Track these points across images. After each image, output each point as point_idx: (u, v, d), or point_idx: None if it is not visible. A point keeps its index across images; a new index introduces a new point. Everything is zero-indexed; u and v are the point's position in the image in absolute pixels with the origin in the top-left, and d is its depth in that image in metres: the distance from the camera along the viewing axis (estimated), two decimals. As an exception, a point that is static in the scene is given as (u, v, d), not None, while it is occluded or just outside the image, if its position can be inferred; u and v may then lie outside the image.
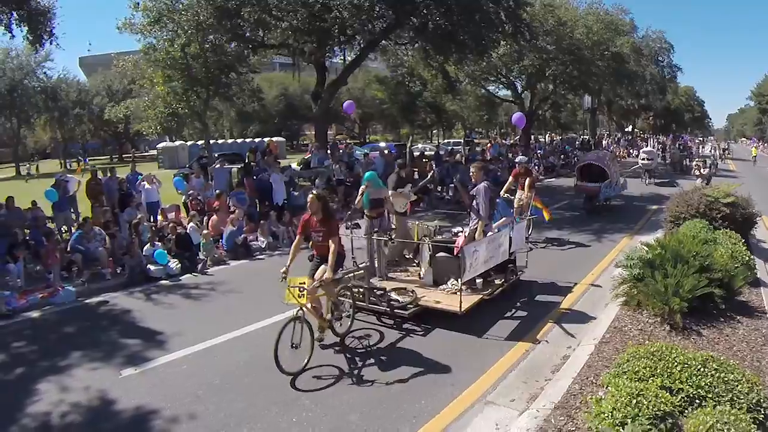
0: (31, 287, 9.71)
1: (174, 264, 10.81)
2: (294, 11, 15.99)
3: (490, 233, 7.98)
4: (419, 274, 8.50)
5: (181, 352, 6.71)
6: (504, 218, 8.89)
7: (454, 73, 25.39)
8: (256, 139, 42.04)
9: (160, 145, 44.59)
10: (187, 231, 11.92)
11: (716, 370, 4.39)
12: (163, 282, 10.26)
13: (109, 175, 14.90)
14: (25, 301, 9.03)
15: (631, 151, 40.70)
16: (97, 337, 7.52)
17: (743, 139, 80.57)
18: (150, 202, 14.03)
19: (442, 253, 8.15)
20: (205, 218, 13.01)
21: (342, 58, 20.00)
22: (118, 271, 10.77)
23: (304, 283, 6.04)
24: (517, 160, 13.27)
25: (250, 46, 17.78)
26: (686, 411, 4.08)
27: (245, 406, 5.30)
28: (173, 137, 39.06)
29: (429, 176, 11.98)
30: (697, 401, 4.19)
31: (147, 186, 14.20)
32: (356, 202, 8.71)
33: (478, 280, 7.78)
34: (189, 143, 43.48)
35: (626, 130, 59.97)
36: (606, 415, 3.84)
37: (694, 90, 67.81)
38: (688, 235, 8.06)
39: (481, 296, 7.53)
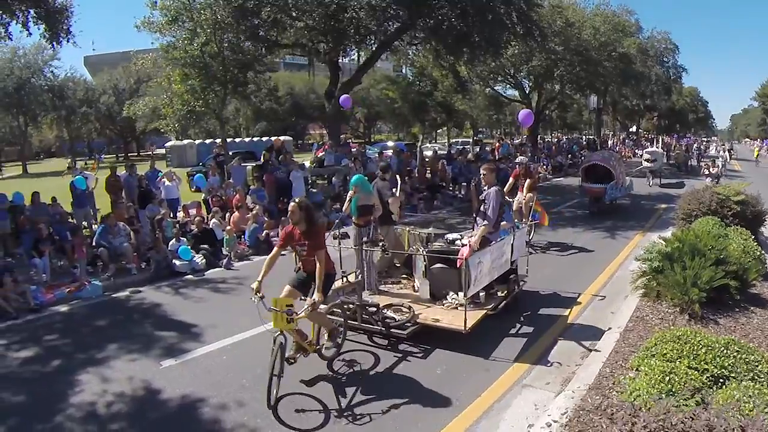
0: (57, 282, 9.86)
1: (199, 259, 11.07)
2: (311, 11, 16.27)
3: (494, 242, 7.23)
4: (413, 287, 7.82)
5: (218, 344, 6.83)
6: (505, 222, 8.03)
7: (465, 72, 25.73)
8: (264, 138, 42.40)
9: (168, 144, 44.90)
10: (210, 227, 12.24)
11: (738, 352, 4.70)
12: (189, 277, 10.45)
13: (128, 171, 15.24)
14: (52, 296, 9.18)
15: (636, 151, 40.92)
16: (131, 329, 7.62)
17: (747, 139, 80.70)
18: (170, 198, 14.33)
19: (439, 264, 7.31)
20: (226, 215, 13.32)
21: (357, 57, 20.29)
22: (143, 266, 10.95)
23: (292, 305, 5.19)
24: (517, 161, 12.72)
25: (264, 45, 18.06)
26: (712, 388, 4.39)
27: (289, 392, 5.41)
28: (179, 136, 39.34)
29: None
30: (721, 380, 4.50)
31: (167, 183, 14.53)
32: (344, 208, 8.18)
33: (480, 294, 7.06)
34: (197, 142, 43.81)
35: (631, 130, 60.24)
36: (641, 391, 4.13)
37: (698, 90, 68.19)
38: (704, 230, 8.37)
39: (485, 311, 6.78)
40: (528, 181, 11.57)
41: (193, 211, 13.68)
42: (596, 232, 13.30)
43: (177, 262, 10.87)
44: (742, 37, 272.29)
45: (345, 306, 6.51)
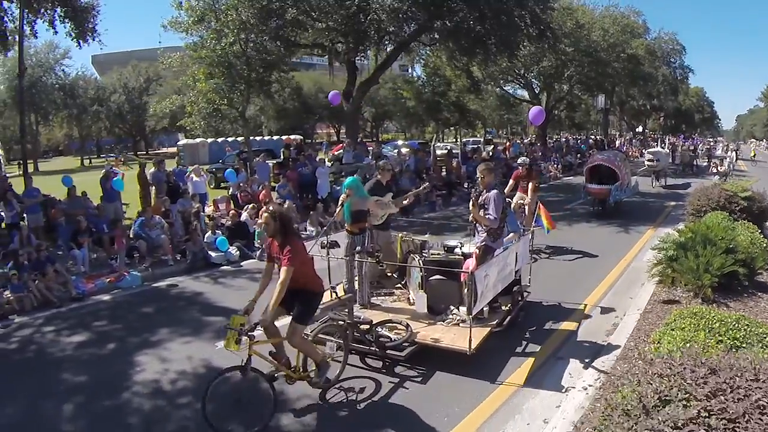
0: (96, 273, 10.26)
1: (234, 250, 11.66)
2: (333, 13, 16.84)
3: (499, 251, 6.67)
4: (408, 299, 7.12)
5: (264, 327, 7.25)
6: (512, 233, 7.52)
7: (479, 72, 26.35)
8: (275, 137, 43.01)
9: (180, 142, 45.54)
10: (243, 220, 12.86)
11: (748, 326, 5.30)
12: (225, 267, 10.85)
13: (157, 167, 15.88)
14: (93, 285, 9.56)
15: (643, 151, 41.41)
16: (178, 315, 7.81)
17: (752, 140, 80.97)
18: (198, 193, 14.97)
19: (437, 276, 6.61)
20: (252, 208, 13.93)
21: (375, 58, 20.87)
22: (178, 258, 11.36)
23: (244, 324, 4.67)
24: (519, 161, 11.95)
25: (284, 45, 18.60)
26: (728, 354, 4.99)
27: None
28: (205, 135, 39.91)
29: (422, 186, 9.49)
30: (734, 350, 5.09)
31: (195, 178, 15.19)
32: (336, 213, 7.44)
33: (484, 309, 6.36)
34: (209, 140, 44.46)
35: (637, 130, 60.66)
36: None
37: (703, 91, 68.52)
38: (714, 222, 8.97)
39: (490, 328, 6.13)
40: (531, 183, 10.85)
41: (222, 206, 14.33)
42: (610, 227, 13.82)
43: (213, 254, 11.40)
44: (748, 37, 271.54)
45: (336, 322, 5.74)
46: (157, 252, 11.61)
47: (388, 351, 5.76)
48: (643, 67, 32.49)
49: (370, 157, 18.04)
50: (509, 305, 6.82)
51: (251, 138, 42.98)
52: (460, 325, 6.14)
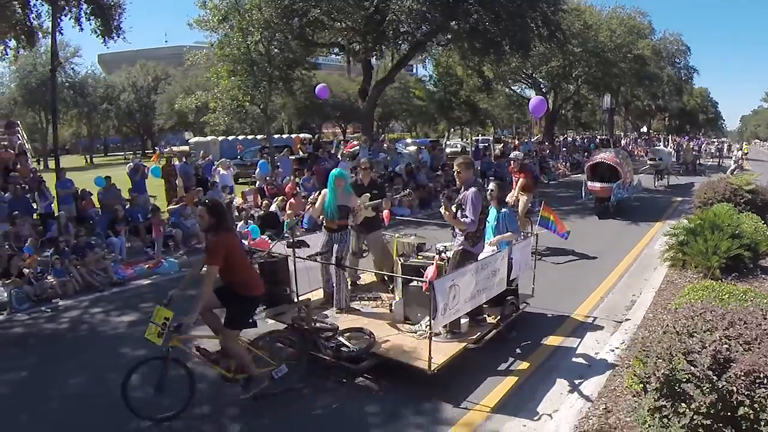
0: (132, 259, 10.78)
1: (265, 238, 12.37)
2: (353, 13, 17.50)
3: (483, 255, 6.06)
4: (390, 306, 6.60)
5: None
6: (509, 233, 6.72)
7: (489, 72, 27.06)
8: (284, 136, 43.68)
9: (192, 140, 46.32)
10: (273, 211, 13.59)
11: (754, 297, 5.99)
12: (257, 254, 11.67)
13: (186, 160, 16.62)
14: (132, 271, 10.04)
15: (648, 150, 42.04)
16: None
17: (756, 140, 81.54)
18: (225, 186, 15.67)
19: (415, 282, 6.01)
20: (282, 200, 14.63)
21: (391, 57, 21.55)
22: None
23: (168, 318, 4.51)
24: (511, 156, 11.25)
25: (303, 44, 19.27)
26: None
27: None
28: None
29: (402, 193, 8.67)
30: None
31: (222, 171, 15.93)
32: (315, 207, 7.04)
33: (462, 321, 5.83)
34: (220, 138, 45.20)
35: (642, 130, 61.25)
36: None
37: (708, 91, 69.00)
38: (721, 211, 9.66)
39: (464, 345, 5.53)
40: (522, 179, 10.38)
41: (251, 198, 15.04)
42: (621, 220, 14.43)
43: (245, 242, 12.16)
44: (752, 38, 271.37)
45: (300, 326, 5.51)
46: (191, 240, 12.33)
47: (342, 361, 5.28)
48: (649, 67, 33.15)
49: (386, 153, 18.71)
50: (497, 318, 6.10)
51: (262, 136, 43.85)
52: (433, 338, 5.31)
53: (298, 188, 15.11)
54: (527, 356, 5.90)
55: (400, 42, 19.87)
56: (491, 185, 7.07)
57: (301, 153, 19.44)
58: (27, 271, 9.03)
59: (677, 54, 43.20)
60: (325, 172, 16.64)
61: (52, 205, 13.15)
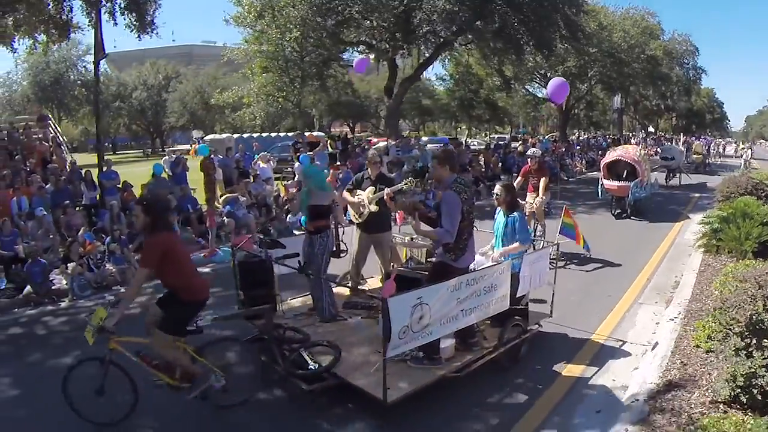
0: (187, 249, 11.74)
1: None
2: (385, 11, 18.14)
3: (476, 266, 5.45)
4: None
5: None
6: (516, 244, 5.79)
7: (508, 71, 27.85)
8: (290, 134, 44.50)
9: (207, 138, 47.07)
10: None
11: (791, 274, 6.72)
12: None
13: (226, 154, 17.31)
14: None
15: (658, 150, 42.76)
16: (288, 281, 7.45)
17: (761, 140, 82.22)
18: (266, 178, 16.39)
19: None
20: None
21: (416, 55, 22.27)
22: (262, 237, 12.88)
23: (104, 319, 4.33)
24: (528, 153, 10.13)
25: (334, 42, 19.96)
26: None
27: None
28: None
29: (404, 182, 6.84)
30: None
31: (262, 165, 16.60)
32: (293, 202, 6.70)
33: (445, 344, 5.04)
34: (235, 136, 45.96)
35: (649, 130, 61.96)
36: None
37: (714, 91, 69.71)
38: (750, 201, 10.41)
39: (442, 375, 4.79)
40: (543, 179, 9.52)
41: (293, 190, 15.76)
42: (641, 219, 14.68)
43: (296, 232, 12.83)
44: (757, 38, 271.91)
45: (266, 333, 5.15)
46: (243, 230, 13.02)
47: (294, 378, 4.83)
48: (661, 67, 33.93)
49: (416, 150, 19.43)
50: (495, 342, 5.26)
51: (275, 135, 44.62)
52: (408, 362, 4.87)
53: (337, 181, 15.87)
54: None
55: (429, 41, 20.55)
56: (497, 188, 6.19)
57: (330, 149, 20.16)
58: (85, 258, 9.25)
59: (686, 54, 43.92)
60: (359, 166, 17.47)
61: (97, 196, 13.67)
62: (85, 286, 8.85)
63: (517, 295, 5.42)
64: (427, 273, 5.52)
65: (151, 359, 4.59)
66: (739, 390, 3.94)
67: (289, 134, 44.25)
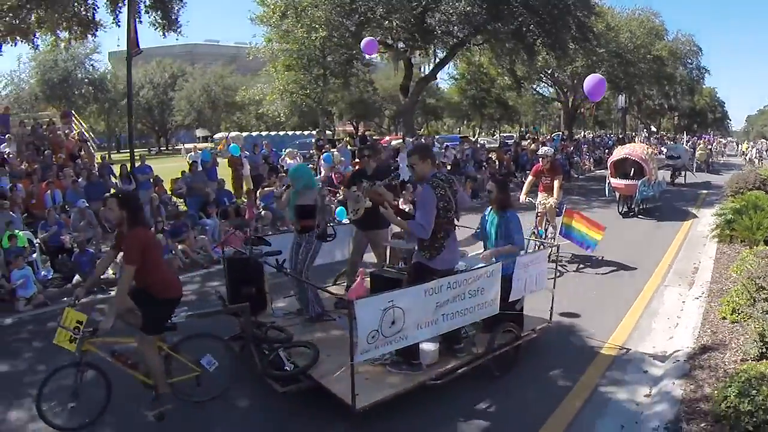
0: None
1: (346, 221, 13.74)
2: (405, 12, 18.73)
3: (465, 268, 5.28)
4: None
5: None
6: (509, 246, 5.43)
7: (521, 71, 28.57)
8: (297, 133, 45.15)
9: (217, 136, 47.65)
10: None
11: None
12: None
13: (253, 150, 18.00)
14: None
15: (661, 149, 43.45)
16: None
17: (762, 140, 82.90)
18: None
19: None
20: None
21: (433, 55, 22.99)
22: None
23: (82, 322, 4.26)
24: (540, 152, 9.87)
25: (356, 41, 20.58)
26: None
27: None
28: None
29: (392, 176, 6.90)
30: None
31: (289, 161, 17.28)
32: (281, 200, 6.49)
33: (427, 348, 4.87)
34: (244, 134, 46.55)
35: (652, 129, 62.66)
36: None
37: (715, 91, 70.42)
38: (760, 195, 11.14)
39: (420, 381, 4.63)
40: (557, 179, 9.20)
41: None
42: (652, 215, 15.30)
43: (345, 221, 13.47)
44: (758, 38, 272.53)
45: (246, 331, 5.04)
46: (277, 222, 13.62)
47: (269, 378, 4.79)
48: (667, 67, 34.66)
49: (438, 146, 20.11)
50: (482, 349, 5.09)
51: (283, 133, 45.29)
52: (387, 367, 4.78)
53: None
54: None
55: (445, 41, 21.21)
56: (489, 186, 5.89)
57: (349, 147, 20.85)
58: None
59: (689, 54, 44.61)
60: (382, 162, 18.17)
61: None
62: (135, 274, 9.39)
63: (510, 300, 5.23)
64: (397, 276, 5.47)
65: (127, 358, 4.53)
66: (766, 348, 4.65)
67: (297, 133, 44.95)
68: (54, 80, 46.23)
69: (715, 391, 4.13)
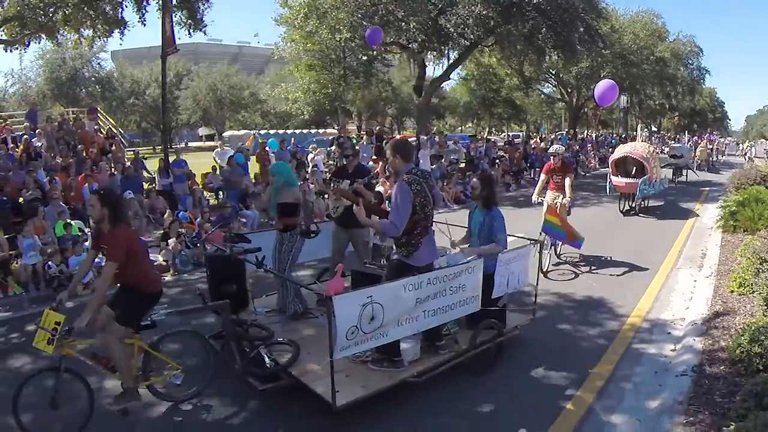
0: (264, 230, 12.60)
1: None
2: (423, 13, 19.54)
3: (440, 260, 5.23)
4: None
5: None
6: (491, 245, 5.33)
7: (529, 72, 29.46)
8: (304, 131, 45.88)
9: (226, 134, 48.41)
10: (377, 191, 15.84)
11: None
12: None
13: (279, 147, 18.78)
14: None
15: (663, 148, 44.33)
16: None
17: (762, 139, 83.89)
18: (319, 170, 17.91)
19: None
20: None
21: (447, 55, 23.83)
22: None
23: (60, 323, 4.12)
24: (551, 151, 9.71)
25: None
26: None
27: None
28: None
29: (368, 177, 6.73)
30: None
31: (315, 157, 18.16)
32: (263, 201, 6.50)
33: (407, 345, 4.88)
34: (253, 132, 47.25)
35: (653, 129, 63.49)
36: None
37: (715, 91, 71.30)
38: (761, 189, 12.08)
39: (400, 379, 4.63)
40: (568, 177, 9.12)
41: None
42: (663, 203, 16.51)
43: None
44: (757, 38, 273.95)
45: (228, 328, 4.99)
46: (312, 216, 14.42)
47: (250, 378, 4.77)
48: (669, 69, 35.57)
49: (452, 144, 21.01)
50: (465, 346, 5.08)
51: (290, 132, 46.11)
52: (369, 364, 4.78)
53: (385, 171, 17.41)
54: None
55: (459, 43, 22.07)
56: (473, 181, 5.77)
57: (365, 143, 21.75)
58: (183, 232, 10.19)
59: (690, 55, 45.37)
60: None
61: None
62: (186, 261, 9.82)
63: (493, 297, 5.25)
64: (377, 273, 5.50)
65: (108, 361, 4.47)
66: (771, 311, 5.60)
67: (303, 131, 45.72)
68: (62, 78, 46.74)
69: (731, 343, 5.05)
